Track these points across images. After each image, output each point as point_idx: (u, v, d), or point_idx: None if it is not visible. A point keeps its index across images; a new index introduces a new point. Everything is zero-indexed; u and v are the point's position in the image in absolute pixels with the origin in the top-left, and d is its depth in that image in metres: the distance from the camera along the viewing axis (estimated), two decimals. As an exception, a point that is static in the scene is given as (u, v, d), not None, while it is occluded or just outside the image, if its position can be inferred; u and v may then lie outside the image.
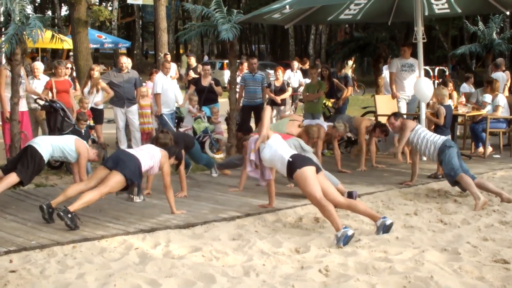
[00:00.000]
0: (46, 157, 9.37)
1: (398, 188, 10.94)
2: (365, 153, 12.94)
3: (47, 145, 9.37)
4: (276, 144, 8.64)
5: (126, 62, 14.80)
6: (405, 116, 14.45)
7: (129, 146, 14.82)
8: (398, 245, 7.54)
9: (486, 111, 14.62)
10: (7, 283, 6.18)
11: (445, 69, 40.16)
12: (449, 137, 10.75)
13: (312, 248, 7.40)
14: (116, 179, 8.46)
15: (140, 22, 68.32)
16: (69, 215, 8.00)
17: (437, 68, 37.77)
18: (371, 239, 7.77)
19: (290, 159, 8.31)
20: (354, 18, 15.73)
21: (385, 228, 7.97)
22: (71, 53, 24.00)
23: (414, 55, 13.94)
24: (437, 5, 14.84)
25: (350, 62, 19.78)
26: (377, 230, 8.02)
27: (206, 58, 56.86)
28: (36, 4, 73.25)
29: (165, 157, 9.08)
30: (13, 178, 9.13)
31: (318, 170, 8.31)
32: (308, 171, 8.12)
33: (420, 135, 10.66)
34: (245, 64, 16.07)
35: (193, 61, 21.83)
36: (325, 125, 12.51)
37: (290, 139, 10.45)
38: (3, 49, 10.56)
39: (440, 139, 10.50)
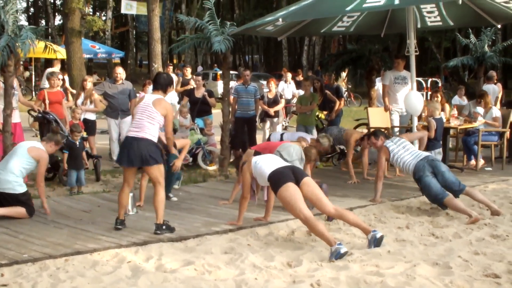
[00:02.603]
0: (22, 189, 9.47)
1: (390, 201, 10.96)
2: (351, 166, 12.98)
3: (14, 179, 9.41)
4: (260, 161, 8.76)
5: (121, 73, 14.80)
6: (396, 130, 14.55)
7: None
8: (390, 259, 7.55)
9: (478, 123, 14.66)
10: (-2, 297, 6.20)
11: (438, 81, 40.29)
12: (421, 156, 10.49)
13: (304, 262, 7.41)
14: (160, 170, 8.68)
15: (134, 32, 68.36)
16: (164, 227, 8.55)
17: (430, 80, 37.90)
18: (363, 253, 7.78)
19: (268, 182, 8.42)
20: (347, 30, 15.77)
21: (376, 242, 7.97)
22: (57, 66, 23.98)
23: (407, 67, 13.98)
24: (429, 17, 14.90)
25: (344, 74, 19.82)
26: (368, 244, 8.02)
27: (200, 68, 56.89)
28: (30, 14, 73.31)
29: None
30: (20, 211, 9.37)
31: (300, 177, 8.32)
32: (286, 191, 8.12)
33: (397, 159, 10.67)
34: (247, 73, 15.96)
35: (188, 72, 21.86)
36: (309, 138, 12.50)
37: (280, 146, 10.51)
38: None
39: (411, 165, 10.41)
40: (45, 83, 24.93)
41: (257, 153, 9.78)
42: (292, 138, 12.76)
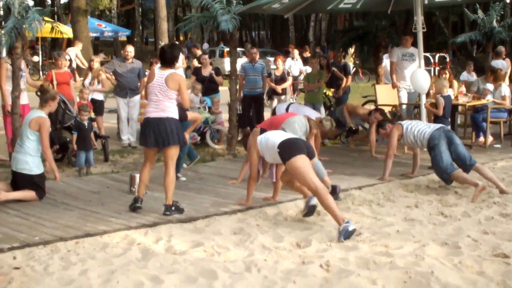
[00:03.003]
0: (39, 170, 9.54)
1: (399, 179, 10.96)
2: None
3: (31, 160, 9.48)
4: (268, 135, 8.84)
5: (131, 51, 14.71)
6: (404, 107, 14.54)
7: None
8: (399, 239, 7.57)
9: (487, 99, 14.62)
10: (11, 280, 6.22)
11: (446, 56, 40.13)
12: (436, 126, 10.60)
13: (313, 242, 7.43)
14: (176, 150, 8.80)
15: (140, 10, 68.18)
16: (173, 208, 8.59)
17: (437, 55, 37.75)
18: (371, 232, 7.82)
19: (278, 149, 8.40)
20: (354, 7, 15.68)
21: (347, 234, 7.61)
22: (78, 46, 24.08)
23: (415, 44, 13.92)
24: (437, -7, 14.85)
25: (351, 50, 19.74)
26: (338, 235, 7.67)
27: (206, 45, 56.73)
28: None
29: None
30: (31, 195, 9.41)
31: (311, 156, 8.41)
32: (299, 160, 8.19)
33: (409, 135, 10.69)
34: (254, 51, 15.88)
35: (198, 52, 21.78)
36: (314, 116, 12.46)
37: (285, 122, 10.54)
38: (3, 42, 10.55)
39: (426, 132, 10.47)
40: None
41: (263, 130, 9.75)
42: (297, 110, 12.75)
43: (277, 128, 10.04)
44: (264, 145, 8.71)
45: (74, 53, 23.99)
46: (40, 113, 9.63)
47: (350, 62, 20.99)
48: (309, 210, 8.35)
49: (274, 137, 8.63)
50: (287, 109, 13.22)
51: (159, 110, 8.60)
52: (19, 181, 9.45)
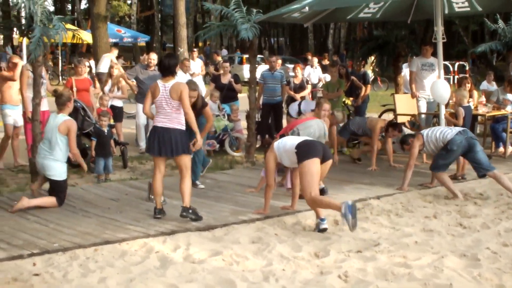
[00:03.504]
0: (64, 176, 9.70)
1: (417, 189, 10.94)
2: (375, 154, 12.96)
3: (58, 166, 9.63)
4: (285, 139, 9.01)
5: (154, 59, 14.72)
6: (423, 116, 14.50)
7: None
8: (417, 250, 7.55)
9: (507, 110, 14.56)
10: (31, 287, 6.26)
11: (465, 64, 39.99)
12: (459, 130, 10.64)
13: (331, 252, 7.43)
14: (188, 159, 8.98)
15: (159, 16, 68.37)
16: (190, 211, 8.72)
17: (457, 64, 37.64)
18: (390, 243, 7.80)
19: (296, 150, 8.55)
20: (374, 17, 15.68)
21: (350, 209, 7.93)
22: (114, 52, 24.51)
23: (434, 54, 13.89)
24: (457, 3, 14.75)
25: (372, 58, 19.67)
26: (344, 216, 7.99)
27: (224, 51, 56.81)
28: (56, -2, 73.46)
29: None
30: (52, 201, 9.54)
31: (326, 158, 8.62)
32: (312, 165, 8.41)
33: (430, 141, 10.71)
34: (278, 61, 15.92)
35: (219, 59, 21.81)
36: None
37: (300, 125, 10.57)
38: (32, 52, 10.61)
39: (449, 134, 10.52)
40: (100, 68, 25.26)
41: (282, 137, 9.91)
42: (308, 107, 12.74)
43: (291, 129, 10.37)
44: (282, 149, 8.79)
45: (109, 59, 24.17)
46: (64, 116, 9.77)
47: (369, 70, 20.97)
48: (320, 231, 8.43)
49: (292, 140, 8.82)
50: (299, 105, 13.80)
51: (166, 120, 8.84)
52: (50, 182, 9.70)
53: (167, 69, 8.95)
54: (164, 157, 9.02)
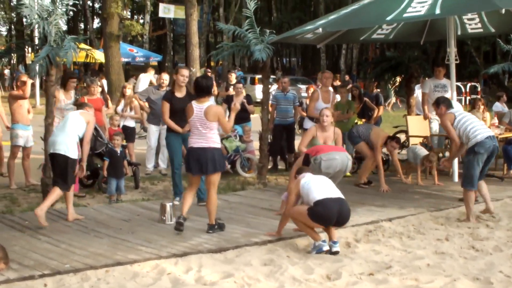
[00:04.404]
0: (74, 155, 9.75)
1: (429, 211, 10.88)
2: (383, 172, 12.90)
3: (69, 142, 9.73)
4: (310, 182, 8.72)
5: (166, 79, 14.74)
6: (435, 138, 14.47)
7: (156, 163, 14.93)
8: (430, 272, 7.52)
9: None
10: (42, 308, 6.27)
11: (477, 85, 39.94)
12: (490, 134, 10.33)
13: (343, 275, 7.40)
14: (218, 176, 9.43)
15: (172, 35, 68.62)
16: (216, 227, 9.29)
17: (468, 84, 37.61)
18: (402, 266, 7.77)
19: (313, 205, 8.37)
20: (387, 38, 15.72)
21: (332, 253, 8.31)
22: (151, 72, 24.95)
23: (447, 75, 13.89)
24: (470, 24, 14.80)
25: (395, 79, 19.45)
26: (312, 249, 8.44)
27: (239, 72, 56.94)
28: (69, 17, 73.83)
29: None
30: (56, 191, 9.62)
31: (339, 224, 8.59)
32: (313, 224, 8.49)
33: (464, 122, 10.38)
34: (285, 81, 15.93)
35: (233, 77, 21.69)
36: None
37: (325, 154, 10.50)
38: (33, 71, 10.71)
39: (479, 135, 10.18)
40: (139, 87, 25.47)
41: (306, 156, 10.42)
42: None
43: (316, 153, 10.42)
44: (305, 191, 8.61)
45: (148, 79, 24.29)
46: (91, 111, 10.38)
47: (391, 91, 20.94)
48: (331, 254, 8.40)
49: (316, 191, 8.49)
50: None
51: (202, 141, 9.27)
52: (54, 162, 9.77)
53: (203, 90, 9.38)
54: (200, 176, 9.52)
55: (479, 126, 10.38)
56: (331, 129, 11.54)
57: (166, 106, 11.03)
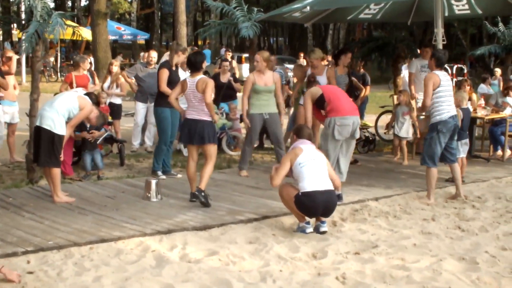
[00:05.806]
0: (60, 131, 9.63)
1: (415, 191, 10.86)
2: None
3: (56, 118, 9.56)
4: (306, 165, 8.34)
5: (155, 57, 14.70)
6: (421, 117, 14.45)
7: (142, 141, 14.87)
8: (416, 252, 7.50)
9: (506, 113, 14.50)
10: (24, 285, 6.20)
11: (463, 67, 39.95)
12: (453, 114, 10.26)
13: (329, 254, 7.37)
14: (214, 148, 9.84)
15: (159, 14, 68.30)
16: (203, 194, 9.43)
17: (455, 66, 37.59)
18: (388, 245, 7.75)
19: (300, 194, 8.17)
20: (374, 18, 15.66)
21: (319, 232, 8.28)
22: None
23: (433, 56, 13.84)
24: (457, 5, 14.74)
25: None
26: (296, 229, 8.41)
27: (223, 50, 56.75)
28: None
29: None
30: (53, 172, 9.59)
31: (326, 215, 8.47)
32: (294, 213, 8.47)
33: (440, 91, 10.20)
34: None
35: (228, 57, 21.76)
36: None
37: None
38: (23, 48, 10.60)
39: (444, 114, 10.12)
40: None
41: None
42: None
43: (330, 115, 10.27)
44: (297, 173, 8.33)
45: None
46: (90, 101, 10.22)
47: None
48: (319, 233, 8.31)
49: (307, 180, 8.20)
50: None
51: (195, 113, 9.71)
52: (39, 136, 9.61)
53: (193, 65, 9.80)
54: (196, 146, 9.81)
55: (448, 103, 10.28)
56: (269, 73, 11.89)
57: (166, 73, 11.32)
